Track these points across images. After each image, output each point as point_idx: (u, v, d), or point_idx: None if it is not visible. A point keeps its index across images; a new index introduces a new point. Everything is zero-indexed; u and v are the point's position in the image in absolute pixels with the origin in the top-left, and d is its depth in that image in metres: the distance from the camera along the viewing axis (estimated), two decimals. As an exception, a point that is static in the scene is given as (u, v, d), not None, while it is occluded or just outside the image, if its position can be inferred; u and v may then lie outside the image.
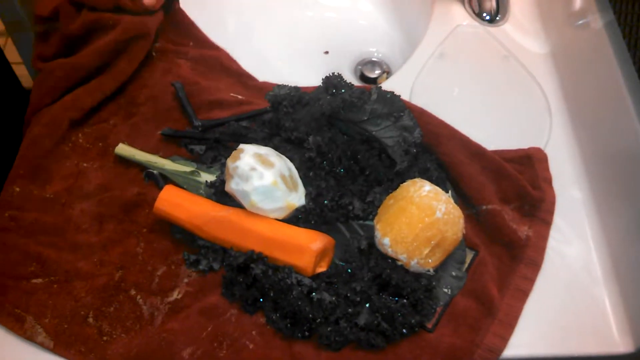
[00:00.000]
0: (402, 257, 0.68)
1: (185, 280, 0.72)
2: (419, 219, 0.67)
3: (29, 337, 0.69)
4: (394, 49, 1.10)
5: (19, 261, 0.74)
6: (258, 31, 1.08)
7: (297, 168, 0.74)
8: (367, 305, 0.68)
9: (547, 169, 0.79)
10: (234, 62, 0.92)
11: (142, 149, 0.81)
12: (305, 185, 0.74)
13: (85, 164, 0.82)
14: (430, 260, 0.68)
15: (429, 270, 0.69)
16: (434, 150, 0.79)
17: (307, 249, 0.68)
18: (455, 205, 0.70)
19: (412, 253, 0.68)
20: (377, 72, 1.09)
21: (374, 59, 1.11)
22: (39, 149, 0.81)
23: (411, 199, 0.68)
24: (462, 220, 0.70)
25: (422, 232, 0.67)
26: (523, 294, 0.72)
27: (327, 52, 1.10)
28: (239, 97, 0.86)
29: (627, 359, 0.70)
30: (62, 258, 0.74)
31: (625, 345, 0.69)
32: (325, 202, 0.71)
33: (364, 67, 1.10)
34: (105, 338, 0.69)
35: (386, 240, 0.68)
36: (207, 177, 0.77)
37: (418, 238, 0.67)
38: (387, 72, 1.09)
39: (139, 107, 0.86)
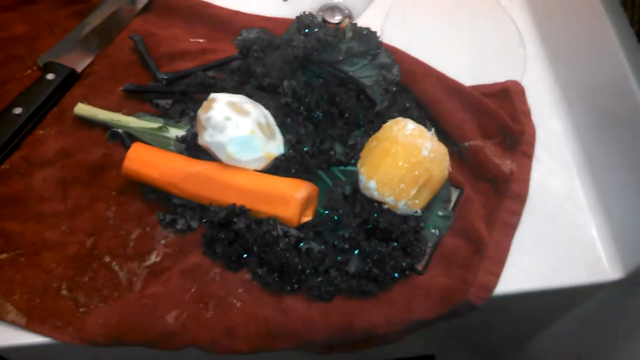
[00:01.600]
0: (389, 200, 0.66)
1: (163, 242, 0.69)
2: (405, 159, 0.65)
3: (-2, 316, 0.65)
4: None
5: None
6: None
7: (273, 115, 0.70)
8: (357, 252, 0.65)
9: (525, 102, 0.78)
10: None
11: (103, 109, 0.76)
12: (282, 133, 0.70)
13: (41, 131, 0.76)
14: (417, 201, 0.66)
15: (416, 212, 0.67)
16: (411, 89, 0.76)
17: (291, 198, 0.65)
18: (440, 143, 0.68)
19: (400, 195, 0.65)
20: (338, 17, 1.05)
21: (334, 4, 1.07)
22: None
23: (395, 139, 0.66)
24: (447, 157, 0.68)
25: (408, 172, 0.65)
26: (510, 228, 0.70)
27: (286, 0, 1.06)
28: (200, 41, 0.81)
29: (617, 286, 0.70)
30: (27, 229, 0.69)
31: (615, 272, 0.69)
32: (306, 148, 0.68)
33: (325, 12, 1.06)
34: (82, 309, 0.65)
35: (372, 184, 0.65)
36: (176, 132, 0.73)
37: (405, 178, 0.65)
38: (350, 17, 1.05)
39: (93, 66, 0.81)
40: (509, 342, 0.96)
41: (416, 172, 0.65)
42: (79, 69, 0.80)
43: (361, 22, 0.86)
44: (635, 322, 0.74)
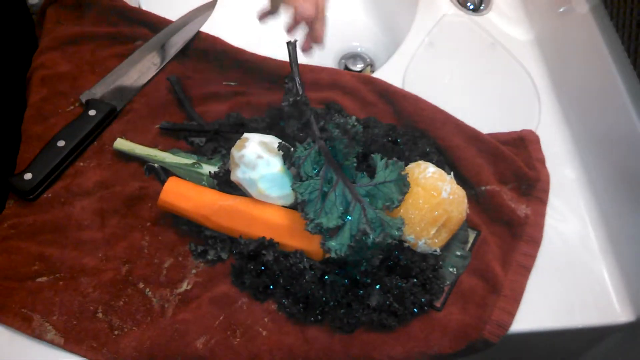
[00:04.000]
0: (410, 238, 0.69)
1: (194, 271, 0.72)
2: (426, 200, 0.69)
3: (37, 335, 0.69)
4: (377, 43, 1.12)
5: (22, 262, 0.73)
6: (239, 28, 1.08)
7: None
8: (378, 287, 0.69)
9: (539, 150, 0.82)
10: (218, 40, 0.92)
11: (140, 144, 0.81)
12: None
13: (81, 164, 0.81)
14: (437, 240, 0.70)
15: (435, 250, 0.71)
16: (431, 135, 0.81)
17: (317, 233, 0.69)
18: (459, 186, 0.72)
19: (420, 233, 0.69)
20: (360, 65, 1.10)
21: (357, 53, 1.12)
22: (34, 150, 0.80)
23: (417, 181, 0.70)
24: (466, 200, 0.72)
25: (429, 213, 0.69)
26: (525, 270, 0.74)
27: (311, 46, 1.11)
28: (232, 84, 0.86)
29: (628, 329, 0.73)
30: (66, 255, 0.73)
31: (627, 315, 0.72)
32: (331, 187, 0.72)
33: (347, 60, 1.11)
34: (116, 332, 0.69)
35: (394, 222, 0.69)
36: (209, 168, 0.77)
37: (425, 218, 0.69)
38: (371, 65, 1.10)
39: (132, 104, 0.86)
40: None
41: (436, 213, 0.69)
42: (119, 107, 0.85)
43: (383, 70, 0.91)
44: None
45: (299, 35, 0.81)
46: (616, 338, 0.78)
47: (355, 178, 0.70)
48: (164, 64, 0.90)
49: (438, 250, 0.71)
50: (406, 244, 0.70)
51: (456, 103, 0.84)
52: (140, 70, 0.89)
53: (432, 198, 0.69)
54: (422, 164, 0.72)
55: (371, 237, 0.65)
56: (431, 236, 0.69)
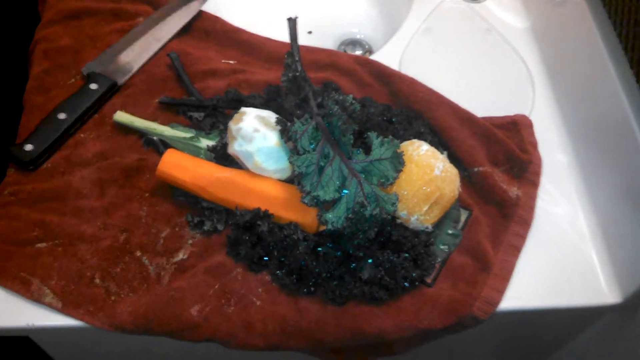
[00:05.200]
0: (403, 214, 0.71)
1: (190, 241, 0.74)
2: (419, 177, 0.70)
3: (36, 298, 0.70)
4: (376, 30, 1.13)
5: (22, 228, 0.74)
6: (239, 13, 1.09)
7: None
8: (370, 260, 0.70)
9: (532, 134, 0.83)
10: (219, 20, 0.93)
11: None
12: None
13: (82, 135, 0.82)
14: (429, 217, 0.71)
15: (427, 227, 0.72)
16: (425, 116, 0.82)
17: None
18: (451, 164, 0.73)
19: (412, 209, 0.70)
20: (359, 52, 1.11)
21: (356, 39, 1.14)
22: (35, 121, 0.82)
23: (410, 158, 0.71)
24: (458, 179, 0.73)
25: (421, 189, 0.70)
26: (515, 250, 0.75)
27: (310, 32, 1.12)
28: (231, 62, 0.88)
29: (615, 311, 0.75)
30: (65, 222, 0.75)
31: (614, 297, 0.74)
32: (327, 162, 0.74)
33: (347, 46, 1.12)
34: (113, 297, 0.70)
35: (387, 198, 0.70)
36: (206, 142, 0.79)
37: (418, 195, 0.70)
38: (370, 52, 1.11)
39: (132, 79, 0.87)
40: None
41: (428, 190, 0.70)
42: (120, 82, 0.86)
43: (380, 54, 0.93)
44: (633, 350, 0.78)
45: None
46: (605, 322, 0.79)
47: (351, 154, 0.71)
48: (164, 41, 0.91)
49: (430, 227, 0.72)
50: (399, 220, 0.72)
51: (451, 87, 0.86)
52: (142, 46, 0.90)
53: (424, 175, 0.70)
54: (416, 142, 0.73)
55: (368, 209, 0.66)
56: (423, 212, 0.70)
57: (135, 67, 0.88)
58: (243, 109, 0.73)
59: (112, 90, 0.86)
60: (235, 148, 0.72)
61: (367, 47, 1.12)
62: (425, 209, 0.70)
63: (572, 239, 0.77)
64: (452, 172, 0.72)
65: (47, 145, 0.79)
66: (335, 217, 0.67)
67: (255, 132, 0.71)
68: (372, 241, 0.70)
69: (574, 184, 0.82)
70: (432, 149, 0.72)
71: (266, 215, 0.70)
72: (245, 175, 0.73)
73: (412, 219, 0.71)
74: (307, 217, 0.70)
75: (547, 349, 0.92)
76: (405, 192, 0.70)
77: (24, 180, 0.78)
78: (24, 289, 0.70)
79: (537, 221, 0.78)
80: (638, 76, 0.72)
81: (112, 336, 0.70)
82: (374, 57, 0.91)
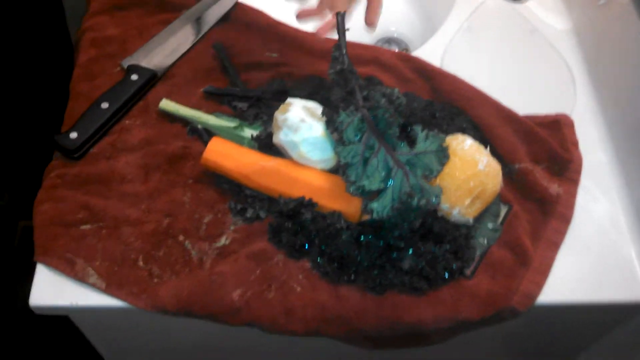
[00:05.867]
0: (445, 207, 0.71)
1: (232, 227, 0.75)
2: (462, 171, 0.71)
3: (80, 278, 0.71)
4: (413, 29, 1.14)
5: (67, 210, 0.76)
6: (273, 7, 1.10)
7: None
8: (411, 251, 0.71)
9: (574, 133, 0.83)
10: (261, 13, 0.94)
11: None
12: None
13: (127, 121, 0.84)
14: (470, 210, 0.72)
15: (468, 221, 0.72)
16: (468, 114, 0.83)
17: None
18: (495, 159, 0.73)
19: (455, 203, 0.71)
20: (395, 50, 1.12)
21: (393, 37, 1.15)
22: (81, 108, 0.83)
23: (454, 152, 0.72)
24: (500, 174, 0.74)
25: (464, 183, 0.70)
26: (555, 246, 0.75)
27: (347, 29, 1.13)
28: (274, 55, 0.89)
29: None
30: (110, 206, 0.76)
31: (650, 294, 0.74)
32: (370, 153, 0.74)
33: (383, 44, 1.14)
34: (155, 280, 0.71)
35: (430, 190, 0.71)
36: (250, 132, 0.80)
37: (461, 188, 0.70)
38: (407, 50, 1.12)
39: (176, 69, 0.89)
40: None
41: (471, 184, 0.71)
42: (159, 72, 0.88)
43: (421, 52, 0.93)
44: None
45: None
46: (636, 321, 0.79)
47: (396, 147, 0.72)
48: (202, 33, 0.93)
49: (471, 220, 0.72)
50: (440, 213, 0.72)
51: (493, 86, 0.86)
52: (180, 38, 0.92)
53: (468, 169, 0.71)
54: (460, 136, 0.74)
55: (415, 200, 0.67)
56: (465, 206, 0.71)
57: (175, 58, 0.90)
58: (289, 100, 0.74)
59: (152, 80, 0.87)
60: (281, 138, 0.73)
61: (404, 45, 1.13)
62: (467, 202, 0.71)
63: (611, 236, 0.77)
64: (495, 167, 0.73)
65: (90, 134, 0.81)
66: (380, 207, 0.68)
67: (302, 122, 0.72)
68: (414, 232, 0.71)
69: (614, 183, 0.82)
70: (476, 144, 0.73)
71: (310, 204, 0.71)
72: (289, 164, 0.74)
73: (454, 212, 0.71)
74: (350, 207, 0.71)
75: (576, 347, 0.91)
76: (449, 185, 0.70)
77: (70, 164, 0.79)
78: (69, 269, 0.72)
79: (576, 218, 0.78)
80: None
81: (151, 319, 0.71)
82: (419, 52, 0.92)
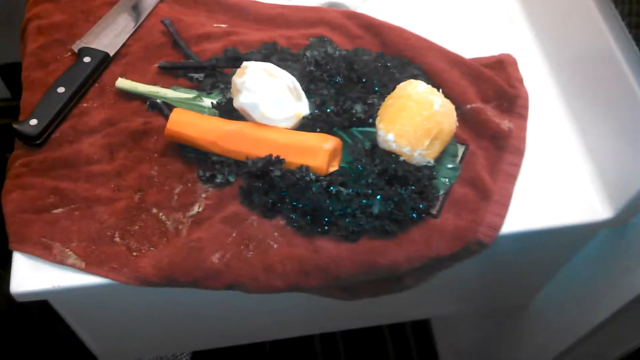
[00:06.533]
0: (406, 150, 0.74)
1: (203, 195, 0.76)
2: (419, 113, 0.74)
3: (59, 261, 0.72)
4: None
5: (37, 196, 0.76)
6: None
7: (298, 81, 0.79)
8: (379, 197, 0.74)
9: (517, 70, 0.87)
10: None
11: (141, 83, 0.84)
12: (308, 96, 0.79)
13: (85, 104, 0.84)
14: (430, 151, 0.75)
15: (429, 162, 0.76)
16: (417, 62, 0.86)
17: (320, 148, 0.73)
18: (448, 100, 0.77)
19: (415, 145, 0.74)
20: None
21: (335, 2, 1.16)
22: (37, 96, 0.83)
23: (409, 96, 0.75)
24: (454, 113, 0.77)
25: (422, 125, 0.73)
26: (512, 178, 0.79)
27: None
28: (223, 26, 0.90)
29: (608, 225, 0.79)
30: (79, 187, 0.77)
31: (607, 212, 0.78)
32: (329, 109, 0.77)
33: (327, 8, 1.15)
34: (135, 253, 0.73)
35: (390, 136, 0.74)
36: (209, 101, 0.81)
37: (419, 130, 0.73)
38: (350, 12, 1.14)
39: (128, 47, 0.89)
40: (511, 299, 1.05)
41: (429, 125, 0.74)
42: (111, 53, 0.88)
43: (365, 9, 0.96)
44: (625, 268, 0.84)
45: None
46: (599, 239, 0.85)
47: None
48: (148, 10, 0.93)
49: (432, 161, 0.76)
50: (402, 158, 0.75)
51: (436, 33, 0.89)
52: (127, 17, 0.92)
53: (424, 110, 0.74)
54: (413, 81, 0.77)
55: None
56: (425, 147, 0.74)
57: (125, 37, 0.90)
58: (246, 63, 0.76)
59: (105, 61, 0.87)
60: (241, 100, 0.75)
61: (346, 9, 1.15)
62: (426, 143, 0.74)
63: (564, 164, 0.82)
64: (449, 106, 0.76)
65: (50, 119, 0.81)
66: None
67: (260, 83, 0.74)
68: (379, 177, 0.74)
69: (561, 113, 0.86)
70: (430, 87, 0.76)
71: (278, 161, 0.73)
72: (253, 126, 0.76)
73: (415, 154, 0.74)
74: (317, 160, 0.73)
75: (545, 276, 0.97)
76: (407, 128, 0.73)
77: (34, 151, 0.80)
78: (47, 253, 0.72)
79: (529, 150, 0.82)
80: (616, 2, 0.76)
81: (133, 295, 0.72)
82: (364, 8, 0.95)
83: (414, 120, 0.73)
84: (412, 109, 0.74)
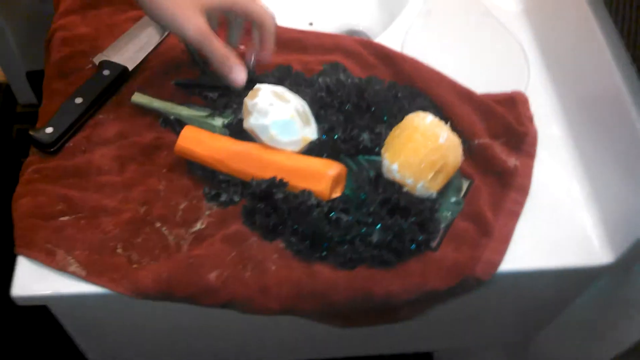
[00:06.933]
0: (409, 181, 0.75)
1: (207, 212, 0.78)
2: (424, 145, 0.74)
3: (61, 267, 0.74)
4: (375, 20, 1.17)
5: (46, 203, 0.78)
6: None
7: (309, 106, 0.80)
8: (379, 226, 0.74)
9: (528, 108, 0.88)
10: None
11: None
12: (317, 122, 0.80)
13: (101, 116, 0.86)
14: (434, 184, 0.75)
15: (432, 194, 0.76)
16: (428, 94, 0.86)
17: (324, 174, 0.74)
18: (454, 133, 0.77)
19: (419, 176, 0.74)
20: (359, 40, 1.16)
21: (355, 30, 1.18)
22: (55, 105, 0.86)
23: (416, 128, 0.75)
24: (460, 147, 0.77)
25: (427, 157, 0.74)
26: (514, 215, 0.79)
27: (311, 24, 1.17)
28: (242, 47, 0.92)
29: (608, 270, 0.79)
30: (87, 197, 0.78)
31: (607, 257, 0.78)
32: (337, 135, 0.78)
33: (347, 36, 1.17)
34: (135, 266, 0.74)
35: (395, 166, 0.74)
36: (221, 120, 0.83)
37: (423, 162, 0.74)
38: (369, 40, 1.16)
39: (148, 63, 0.92)
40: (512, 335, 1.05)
41: (434, 157, 0.74)
42: (130, 67, 0.91)
43: (382, 38, 0.97)
44: (625, 312, 0.83)
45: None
46: (601, 284, 0.84)
47: None
48: None
49: (434, 193, 0.76)
50: (405, 188, 0.76)
51: (452, 67, 0.90)
52: (150, 34, 0.95)
53: (430, 143, 0.74)
54: (421, 113, 0.77)
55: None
56: (429, 179, 0.75)
57: (145, 53, 0.93)
58: (258, 85, 0.78)
59: (124, 75, 0.90)
60: (251, 122, 0.76)
61: (366, 38, 1.17)
62: (430, 176, 0.74)
63: (568, 205, 0.82)
64: (456, 140, 0.77)
65: (66, 128, 0.83)
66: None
67: (270, 106, 0.75)
68: (381, 207, 0.74)
69: (568, 154, 0.86)
70: (437, 119, 0.77)
71: (282, 184, 0.74)
72: (260, 147, 0.77)
73: (418, 186, 0.75)
74: (320, 185, 0.74)
75: (546, 316, 0.96)
76: (412, 160, 0.74)
77: (47, 159, 0.82)
78: (50, 259, 0.74)
79: (534, 189, 0.82)
80: (628, 48, 0.77)
81: (130, 305, 0.74)
82: (381, 38, 0.96)
83: (420, 152, 0.74)
84: (418, 141, 0.75)
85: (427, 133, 0.75)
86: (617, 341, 0.85)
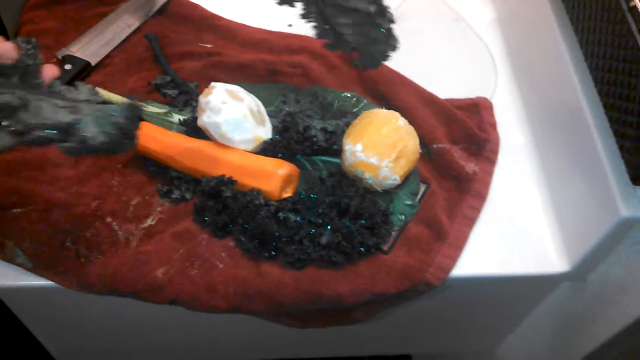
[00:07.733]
0: (373, 160, 0.73)
1: (159, 209, 0.77)
2: (385, 125, 0.74)
3: (8, 259, 0.73)
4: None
5: (0, 194, 0.78)
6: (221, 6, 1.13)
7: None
8: (329, 227, 0.74)
9: (492, 115, 0.87)
10: (197, 7, 0.98)
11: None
12: (272, 121, 0.79)
13: (61, 109, 0.86)
14: (397, 167, 0.74)
15: (395, 179, 0.74)
16: (390, 97, 0.86)
17: (274, 173, 0.74)
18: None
19: (382, 154, 0.73)
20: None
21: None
22: None
23: (376, 114, 0.76)
24: (417, 137, 0.77)
25: (388, 135, 0.74)
26: (470, 221, 0.78)
27: (290, 25, 1.16)
28: (208, 46, 0.91)
29: (563, 279, 0.78)
30: (41, 190, 0.78)
31: (562, 266, 0.77)
32: (292, 135, 0.77)
33: (324, 38, 1.17)
34: (82, 260, 0.73)
35: (358, 146, 0.73)
36: (179, 117, 0.82)
37: (385, 140, 0.73)
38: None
39: (111, 58, 0.91)
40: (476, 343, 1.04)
41: (394, 137, 0.74)
42: (93, 62, 0.90)
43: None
44: (582, 322, 0.82)
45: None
46: (558, 294, 0.83)
47: None
48: (137, 25, 0.95)
49: (398, 178, 0.75)
50: (365, 181, 0.74)
51: (419, 71, 0.90)
52: (116, 30, 0.95)
53: (389, 124, 0.74)
54: (376, 109, 0.78)
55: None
56: (392, 159, 0.73)
57: (110, 49, 0.92)
58: (213, 83, 0.77)
59: (85, 70, 0.89)
60: (204, 119, 0.76)
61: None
62: (394, 156, 0.73)
63: (526, 212, 0.81)
64: (413, 130, 0.77)
65: None
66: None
67: (223, 104, 0.75)
68: (331, 209, 0.74)
69: (529, 162, 0.85)
70: (392, 111, 0.77)
71: (230, 182, 0.74)
72: (212, 145, 0.76)
73: (382, 164, 0.73)
74: (269, 184, 0.74)
75: (508, 324, 0.95)
76: (374, 139, 0.73)
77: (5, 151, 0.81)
78: None
79: (494, 196, 0.81)
80: (586, 57, 0.76)
81: (81, 300, 0.73)
82: (345, 45, 0.96)
83: (381, 132, 0.74)
84: (378, 123, 0.74)
85: (385, 117, 0.75)
86: (575, 350, 0.84)
